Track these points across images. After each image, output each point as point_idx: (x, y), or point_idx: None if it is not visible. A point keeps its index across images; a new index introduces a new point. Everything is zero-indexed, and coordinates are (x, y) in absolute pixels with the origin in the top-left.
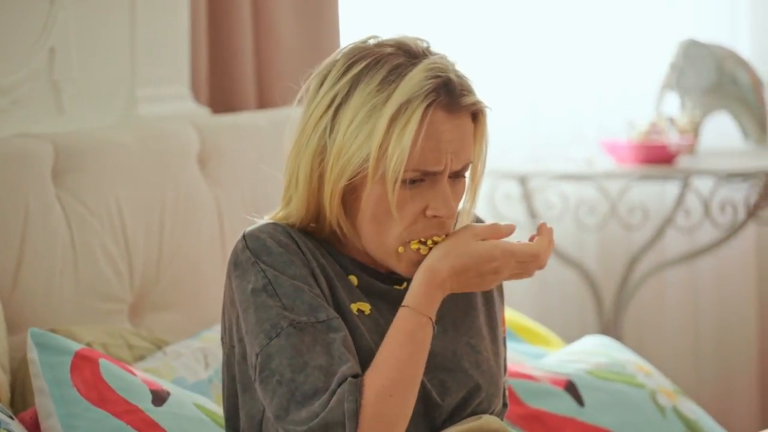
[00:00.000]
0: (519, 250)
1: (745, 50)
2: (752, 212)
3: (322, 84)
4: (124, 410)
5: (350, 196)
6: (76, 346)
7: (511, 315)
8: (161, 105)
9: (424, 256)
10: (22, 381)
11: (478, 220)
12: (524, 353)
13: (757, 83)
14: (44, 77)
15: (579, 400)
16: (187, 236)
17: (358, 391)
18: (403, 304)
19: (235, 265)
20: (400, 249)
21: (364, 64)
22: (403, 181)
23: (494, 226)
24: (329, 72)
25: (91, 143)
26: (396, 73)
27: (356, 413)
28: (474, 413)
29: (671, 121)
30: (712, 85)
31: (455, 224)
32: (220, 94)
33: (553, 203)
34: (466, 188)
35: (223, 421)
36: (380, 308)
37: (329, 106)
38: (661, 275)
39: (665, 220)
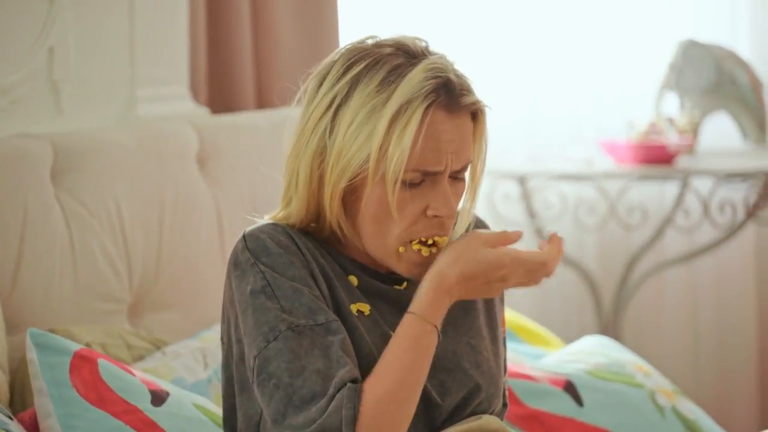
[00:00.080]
0: (527, 258)
1: (744, 50)
2: (751, 212)
3: (321, 85)
4: (123, 410)
5: (350, 196)
6: (75, 347)
7: (510, 315)
8: (160, 105)
9: (425, 256)
10: (21, 381)
11: (478, 221)
12: (523, 353)
13: (756, 83)
14: (43, 77)
15: (578, 400)
16: (186, 236)
17: (356, 397)
18: (409, 310)
19: (235, 265)
20: (401, 249)
21: (363, 64)
22: (404, 182)
23: (503, 233)
24: (328, 72)
25: (90, 143)
26: (395, 74)
27: (354, 420)
28: (474, 413)
29: (670, 121)
30: (712, 86)
31: (455, 224)
32: (219, 94)
33: (552, 203)
34: (465, 188)
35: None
36: (380, 308)
37: (329, 107)
38: (661, 275)
39: (664, 221)
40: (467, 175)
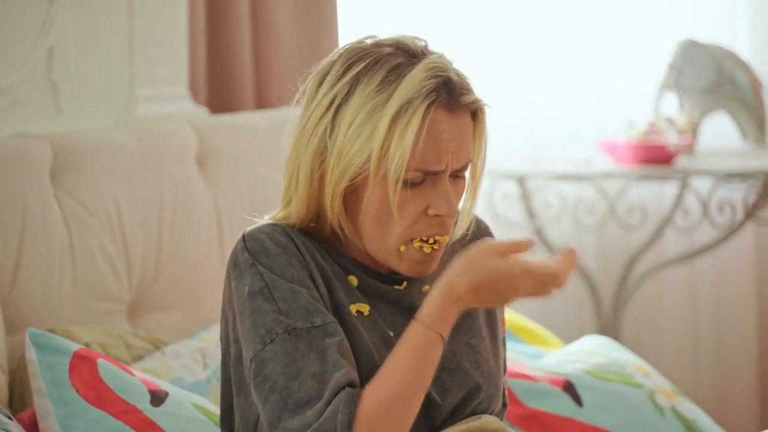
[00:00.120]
0: (539, 270)
1: (743, 50)
2: (751, 212)
3: (320, 85)
4: (123, 410)
5: (351, 196)
6: (75, 347)
7: (509, 315)
8: (160, 105)
9: (427, 253)
10: (20, 381)
11: (478, 221)
12: (523, 353)
13: (755, 83)
14: (43, 77)
15: (577, 400)
16: (186, 236)
17: (353, 402)
18: (416, 317)
19: (234, 265)
20: (402, 248)
21: (363, 64)
22: (405, 182)
23: (515, 241)
24: (328, 73)
25: (89, 143)
26: (396, 73)
27: (349, 425)
28: (474, 413)
29: (670, 121)
30: (711, 86)
31: (456, 223)
32: (218, 94)
33: (552, 203)
34: (465, 187)
35: None
36: (380, 309)
37: (329, 107)
38: (660, 275)
39: (664, 221)
40: (467, 174)
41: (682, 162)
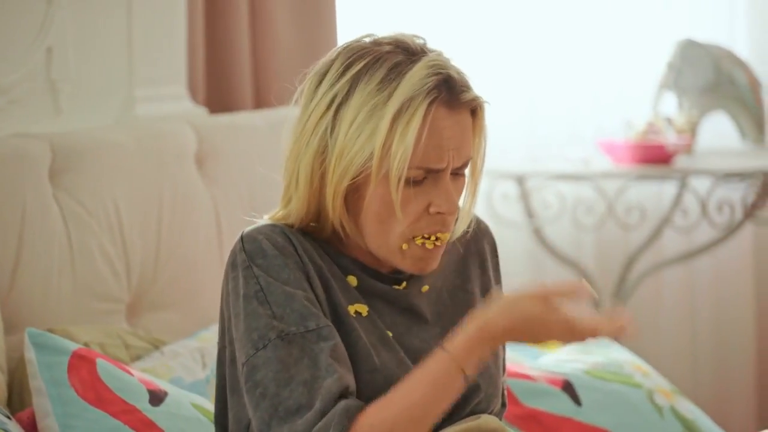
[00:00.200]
0: (576, 324)
1: (742, 50)
2: (749, 212)
3: (319, 84)
4: (122, 410)
5: (353, 195)
6: (74, 346)
7: None
8: (158, 105)
9: (429, 250)
10: (19, 381)
11: (478, 220)
12: (521, 353)
13: (754, 83)
14: (41, 77)
15: (576, 399)
16: (184, 236)
17: (348, 418)
18: (443, 345)
19: (232, 265)
20: (404, 246)
21: (363, 63)
22: (406, 180)
23: (562, 286)
24: (327, 71)
25: (88, 143)
26: (396, 72)
27: None
28: (473, 413)
29: (669, 121)
30: (710, 85)
31: (456, 221)
32: (217, 94)
33: (551, 203)
34: (465, 184)
35: None
36: (378, 309)
37: (329, 106)
38: (659, 275)
39: (662, 220)
40: (467, 171)
41: (680, 162)
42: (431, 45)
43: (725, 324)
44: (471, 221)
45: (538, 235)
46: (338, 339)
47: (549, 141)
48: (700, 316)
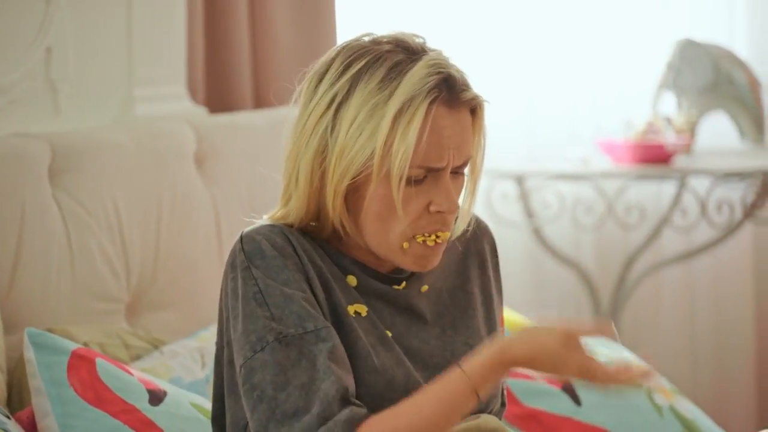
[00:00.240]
0: (597, 369)
1: (742, 50)
2: (749, 212)
3: (319, 83)
4: (121, 410)
5: (353, 194)
6: (73, 346)
7: (507, 314)
8: (158, 105)
9: (431, 247)
10: (19, 381)
11: (478, 221)
12: None
13: (754, 83)
14: (41, 77)
15: (576, 399)
16: (184, 236)
17: (351, 428)
18: (461, 363)
19: (231, 266)
20: (405, 245)
21: (363, 62)
22: (407, 179)
23: (588, 327)
24: (327, 71)
25: (87, 143)
26: (397, 71)
27: None
28: (472, 413)
29: (668, 120)
30: (709, 85)
31: (456, 219)
32: (216, 93)
33: (550, 203)
34: (465, 183)
35: None
36: (378, 309)
37: (329, 106)
38: (658, 275)
39: (662, 220)
40: (466, 170)
41: (680, 161)
42: (430, 44)
43: (725, 324)
44: (470, 220)
45: (538, 234)
46: (337, 340)
47: (548, 141)
48: (700, 315)
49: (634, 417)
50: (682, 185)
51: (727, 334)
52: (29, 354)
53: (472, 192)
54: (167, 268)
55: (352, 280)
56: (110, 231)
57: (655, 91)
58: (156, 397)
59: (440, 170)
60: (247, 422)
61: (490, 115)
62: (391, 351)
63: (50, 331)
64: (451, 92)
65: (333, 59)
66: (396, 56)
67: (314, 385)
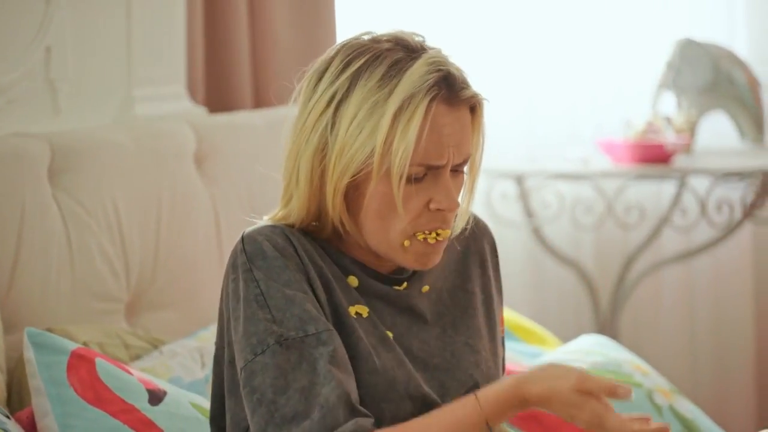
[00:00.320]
0: (609, 422)
1: (741, 50)
2: (749, 212)
3: (319, 81)
4: (121, 409)
5: (353, 192)
6: (73, 346)
7: (507, 314)
8: (158, 104)
9: (431, 244)
10: (18, 380)
11: (477, 220)
12: (520, 352)
13: (753, 82)
14: (40, 77)
15: None
16: (184, 235)
17: None
18: (477, 393)
19: (233, 267)
20: (406, 243)
21: (363, 60)
22: (408, 177)
23: (607, 385)
24: (326, 69)
25: (87, 143)
26: (396, 69)
27: None
28: None
29: (668, 120)
30: (709, 85)
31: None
32: (216, 93)
33: (550, 202)
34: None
35: None
36: (379, 310)
37: (329, 104)
38: (658, 274)
39: (662, 220)
40: (465, 168)
41: (680, 161)
42: (429, 42)
43: (724, 323)
44: (469, 219)
45: (537, 234)
46: (339, 343)
47: (548, 140)
48: (699, 315)
49: None
50: (681, 185)
51: (726, 334)
52: (29, 354)
53: (471, 190)
54: (167, 268)
55: (353, 281)
56: (110, 231)
57: (655, 90)
58: (156, 397)
59: (440, 168)
60: (248, 424)
61: (489, 115)
62: (392, 352)
63: (50, 330)
64: (450, 90)
65: (332, 58)
66: (395, 54)
67: (314, 389)
